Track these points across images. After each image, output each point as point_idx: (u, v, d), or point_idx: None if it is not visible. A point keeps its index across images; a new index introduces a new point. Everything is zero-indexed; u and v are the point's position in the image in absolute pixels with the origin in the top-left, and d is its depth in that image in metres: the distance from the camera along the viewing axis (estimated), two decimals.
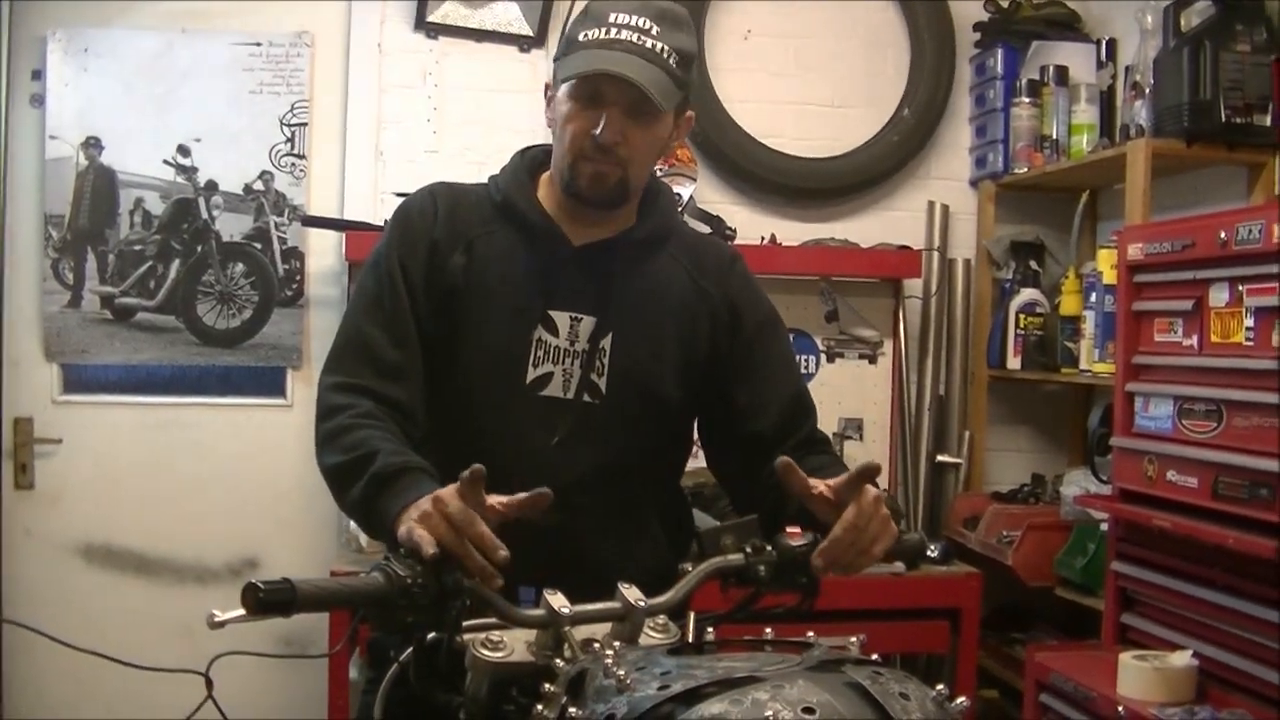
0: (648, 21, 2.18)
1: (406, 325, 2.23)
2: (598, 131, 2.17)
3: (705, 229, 4.30)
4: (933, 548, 4.13)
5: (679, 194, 4.24)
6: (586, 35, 2.19)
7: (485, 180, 2.43)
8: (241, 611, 1.54)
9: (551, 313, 2.26)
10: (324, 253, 4.55)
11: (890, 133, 4.73)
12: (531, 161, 2.39)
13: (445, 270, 2.27)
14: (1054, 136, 4.36)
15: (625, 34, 2.17)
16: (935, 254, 4.72)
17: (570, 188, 2.26)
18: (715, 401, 2.35)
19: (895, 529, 1.93)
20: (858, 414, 4.66)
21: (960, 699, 1.44)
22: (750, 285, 2.44)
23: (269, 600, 1.54)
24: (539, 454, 2.21)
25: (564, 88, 2.23)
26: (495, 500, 1.78)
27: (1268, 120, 3.55)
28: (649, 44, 2.16)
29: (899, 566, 3.98)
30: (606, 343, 2.26)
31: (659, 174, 4.20)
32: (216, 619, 1.55)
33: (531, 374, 2.24)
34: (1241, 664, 2.90)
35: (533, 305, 2.26)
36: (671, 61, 2.18)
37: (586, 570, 2.00)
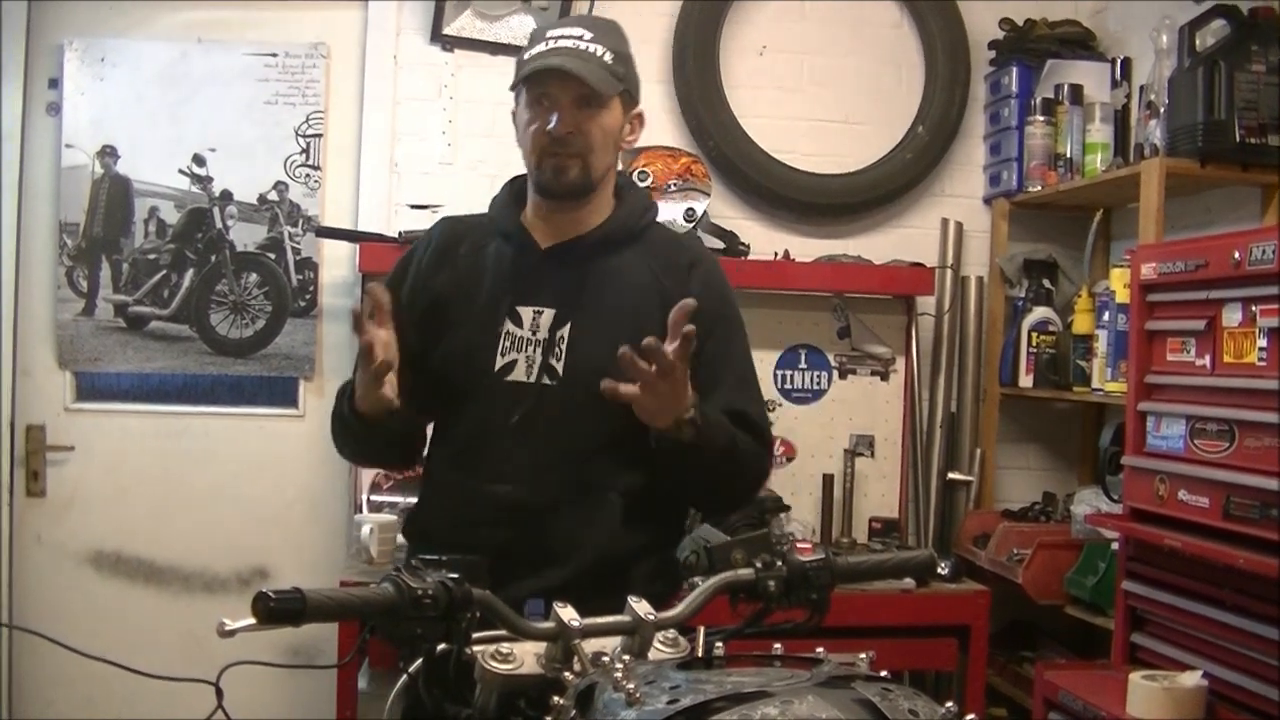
0: (581, 30, 2.55)
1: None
2: (551, 127, 2.48)
3: (719, 244, 4.31)
4: (943, 565, 4.12)
5: (693, 208, 4.25)
6: (531, 53, 2.53)
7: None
8: (252, 621, 1.54)
9: (519, 308, 2.57)
10: (337, 263, 4.57)
11: (904, 149, 4.73)
12: (520, 187, 2.71)
13: (428, 289, 2.65)
14: (1068, 155, 4.35)
15: (563, 43, 2.51)
16: (948, 271, 4.72)
17: (540, 185, 2.59)
18: None
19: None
20: (869, 431, 4.66)
21: (969, 716, 1.44)
22: (711, 286, 2.64)
23: (279, 610, 1.54)
24: (500, 432, 2.53)
25: (521, 100, 2.57)
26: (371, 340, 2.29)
27: None
28: (583, 47, 2.50)
29: (909, 583, 3.99)
30: (565, 331, 2.54)
31: (673, 188, 4.23)
32: (226, 628, 1.55)
33: (499, 361, 2.55)
34: (1251, 685, 2.88)
35: (502, 302, 2.58)
36: (606, 58, 2.51)
37: (545, 544, 2.46)
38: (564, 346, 2.53)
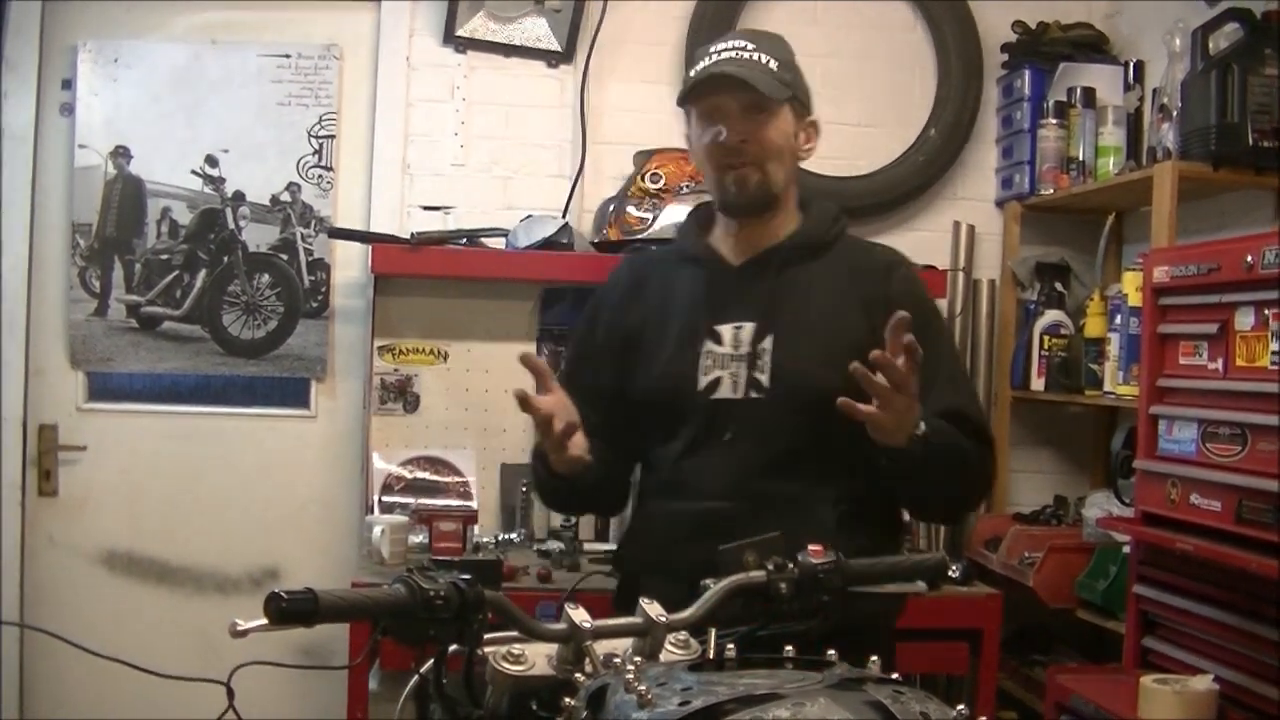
0: (743, 41, 2.55)
1: (585, 387, 2.57)
2: (722, 138, 2.49)
3: None
4: (954, 568, 4.10)
5: None
6: (696, 68, 2.55)
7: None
8: (264, 621, 1.54)
9: (717, 327, 2.56)
10: (350, 265, 4.57)
11: (916, 153, 4.73)
12: (704, 214, 2.76)
13: (623, 325, 2.68)
14: (1080, 158, 4.34)
15: (726, 54, 2.51)
16: (960, 274, 4.71)
17: (724, 202, 2.61)
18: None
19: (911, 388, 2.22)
20: None
21: (980, 719, 1.44)
22: (910, 288, 2.63)
23: (291, 610, 1.54)
24: (714, 451, 2.51)
25: (691, 119, 2.59)
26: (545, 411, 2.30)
27: None
28: (747, 56, 2.50)
29: (920, 586, 3.94)
30: (767, 343, 2.52)
31: (685, 190, 4.25)
32: (239, 628, 1.55)
33: (703, 381, 2.54)
34: (1263, 689, 2.88)
35: (699, 323, 2.57)
36: (771, 65, 2.52)
37: None
38: (767, 359, 2.51)
